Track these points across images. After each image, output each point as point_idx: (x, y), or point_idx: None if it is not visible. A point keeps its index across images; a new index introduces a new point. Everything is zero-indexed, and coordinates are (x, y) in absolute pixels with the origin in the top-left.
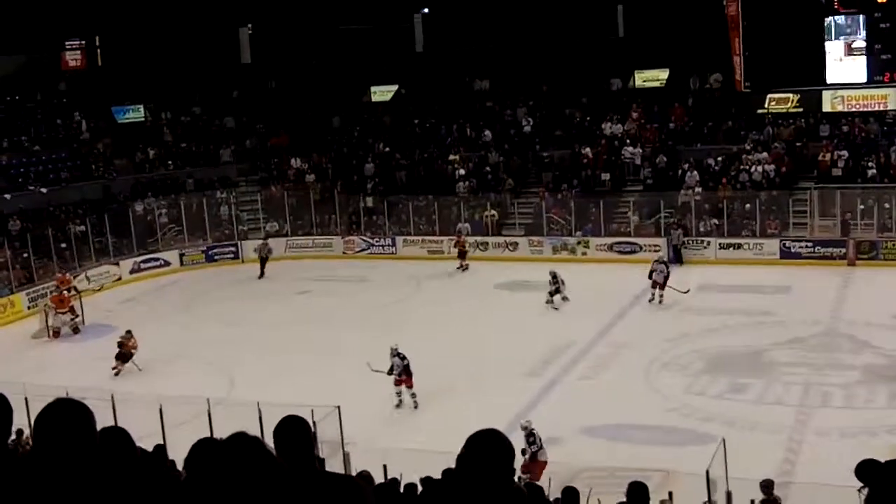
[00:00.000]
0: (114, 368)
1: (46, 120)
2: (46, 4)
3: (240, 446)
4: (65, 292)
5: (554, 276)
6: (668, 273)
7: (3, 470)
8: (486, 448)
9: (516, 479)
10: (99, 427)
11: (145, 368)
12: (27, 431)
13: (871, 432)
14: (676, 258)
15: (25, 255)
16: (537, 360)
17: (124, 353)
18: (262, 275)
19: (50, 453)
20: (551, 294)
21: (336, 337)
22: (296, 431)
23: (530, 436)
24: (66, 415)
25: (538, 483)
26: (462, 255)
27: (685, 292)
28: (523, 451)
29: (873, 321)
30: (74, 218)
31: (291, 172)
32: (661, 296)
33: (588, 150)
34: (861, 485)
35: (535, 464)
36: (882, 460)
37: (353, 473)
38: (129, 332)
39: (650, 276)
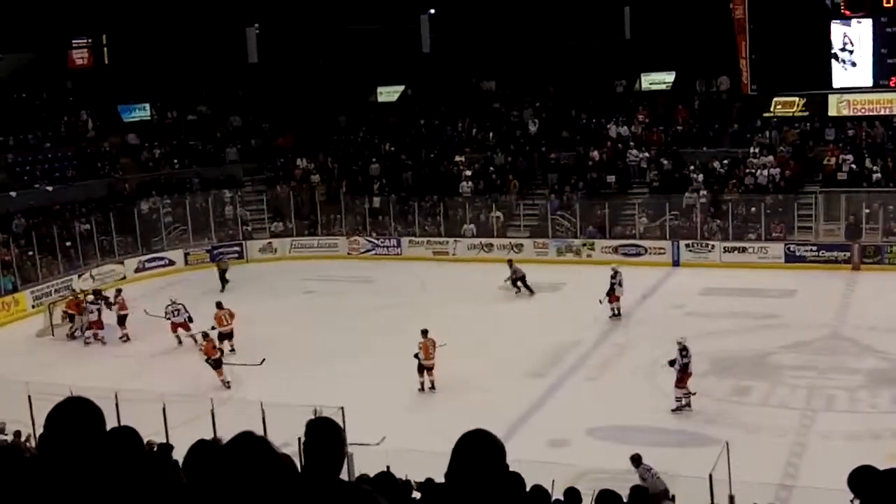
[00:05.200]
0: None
1: (53, 118)
2: (54, 2)
3: (246, 447)
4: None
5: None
6: None
7: (11, 469)
8: (474, 450)
9: None
10: (109, 426)
11: (147, 366)
12: (28, 430)
13: (876, 435)
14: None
15: (31, 252)
16: (542, 360)
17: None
18: None
19: (59, 452)
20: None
21: (340, 337)
22: (324, 435)
23: None
24: (76, 414)
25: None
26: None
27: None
28: None
29: (877, 325)
30: (80, 216)
31: (297, 172)
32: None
33: (595, 152)
34: (853, 496)
35: None
36: (880, 467)
37: (357, 475)
38: (118, 290)
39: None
